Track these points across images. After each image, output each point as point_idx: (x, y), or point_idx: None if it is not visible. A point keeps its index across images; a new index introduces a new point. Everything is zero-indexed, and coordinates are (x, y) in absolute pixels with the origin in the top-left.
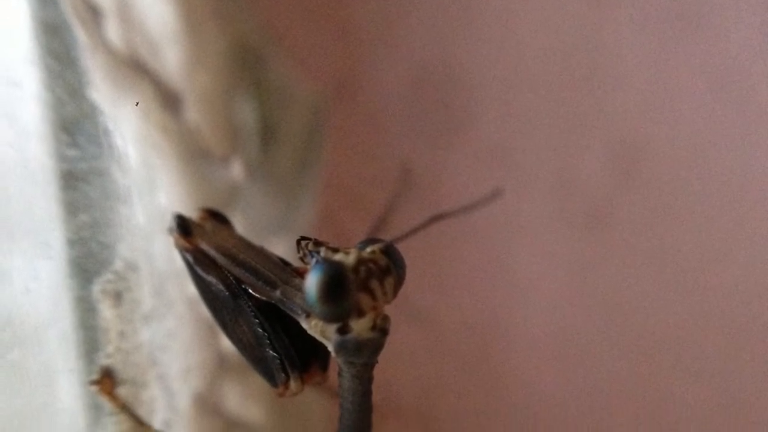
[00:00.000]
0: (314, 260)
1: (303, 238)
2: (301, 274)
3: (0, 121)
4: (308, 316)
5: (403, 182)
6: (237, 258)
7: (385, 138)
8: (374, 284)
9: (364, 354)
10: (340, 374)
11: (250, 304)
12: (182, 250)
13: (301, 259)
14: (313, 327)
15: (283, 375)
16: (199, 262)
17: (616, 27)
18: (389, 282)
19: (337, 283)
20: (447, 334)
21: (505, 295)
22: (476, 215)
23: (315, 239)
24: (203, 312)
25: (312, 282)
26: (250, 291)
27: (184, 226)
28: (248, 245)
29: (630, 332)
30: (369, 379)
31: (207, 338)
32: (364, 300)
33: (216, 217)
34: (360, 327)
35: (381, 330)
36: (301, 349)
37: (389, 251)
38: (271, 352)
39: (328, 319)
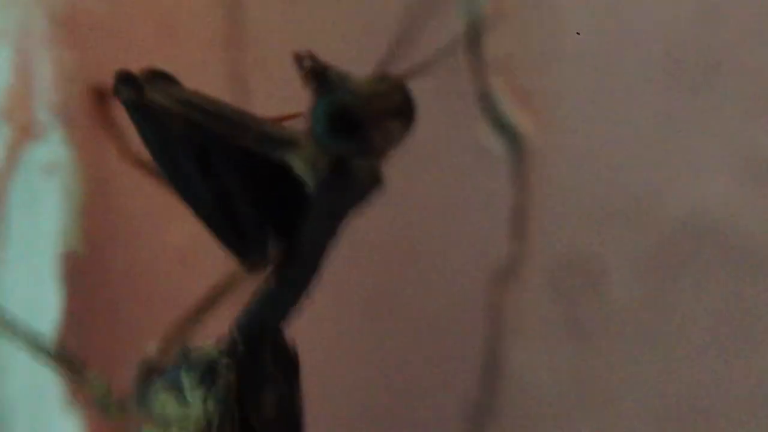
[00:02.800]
0: (324, 82)
1: (301, 53)
2: (272, 120)
3: None
4: (294, 144)
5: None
6: (198, 105)
7: None
8: (387, 122)
9: (350, 198)
10: (305, 218)
11: (225, 151)
12: (133, 106)
13: (303, 78)
14: (300, 157)
15: (259, 242)
16: (152, 116)
17: None
18: (400, 123)
19: (352, 113)
20: None
21: None
22: None
23: (317, 58)
24: None
25: (323, 108)
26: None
27: (131, 79)
28: (206, 97)
29: None
30: (337, 228)
31: None
32: (375, 138)
33: (163, 76)
34: (359, 168)
35: (376, 176)
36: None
37: (403, 90)
38: (248, 208)
39: (332, 150)
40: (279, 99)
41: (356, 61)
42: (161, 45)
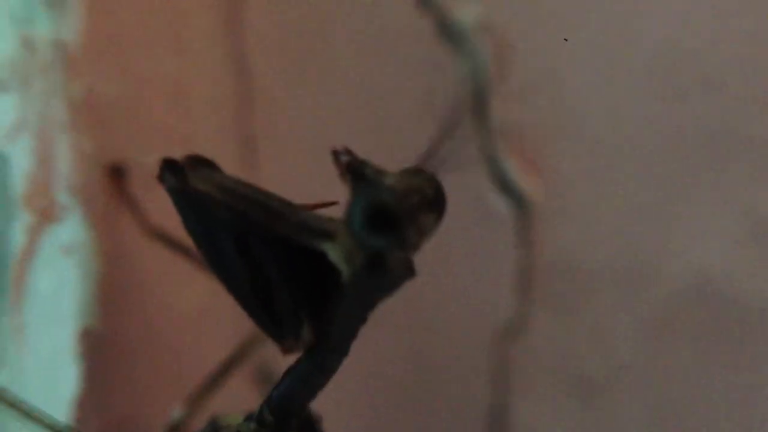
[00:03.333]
0: (360, 178)
1: (339, 150)
2: (308, 207)
3: None
4: (331, 236)
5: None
6: (239, 192)
7: None
8: (422, 217)
9: (384, 288)
10: (338, 305)
11: (263, 236)
12: (176, 192)
13: (340, 174)
14: (336, 248)
15: (293, 325)
16: (194, 201)
17: None
18: (433, 217)
19: (389, 211)
20: None
21: None
22: None
23: (354, 154)
24: None
25: (361, 205)
26: (256, 225)
27: (174, 168)
28: (245, 183)
29: None
30: (367, 317)
31: None
32: (410, 232)
33: (204, 162)
34: (394, 261)
35: (410, 268)
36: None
37: (435, 183)
38: (283, 292)
39: (368, 247)
40: (287, 161)
41: (365, 134)
42: (174, 119)
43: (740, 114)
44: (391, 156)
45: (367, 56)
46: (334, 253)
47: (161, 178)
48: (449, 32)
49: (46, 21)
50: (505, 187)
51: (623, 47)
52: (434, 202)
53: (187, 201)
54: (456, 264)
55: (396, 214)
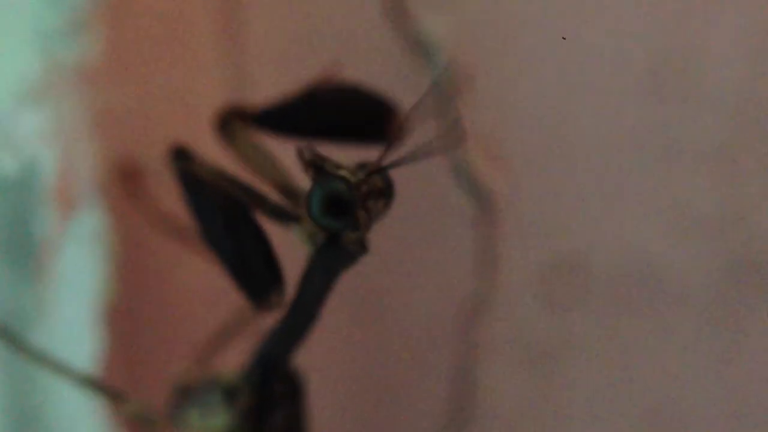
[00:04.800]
0: (319, 171)
1: (302, 147)
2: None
3: None
4: (298, 220)
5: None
6: (229, 178)
7: None
8: (371, 203)
9: (342, 262)
10: (305, 276)
11: (246, 216)
12: (184, 175)
13: (303, 168)
14: (301, 231)
15: (268, 290)
16: (197, 184)
17: None
18: (382, 203)
19: (342, 198)
20: None
21: None
22: None
23: (316, 150)
24: None
25: (318, 194)
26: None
27: (184, 152)
28: (233, 173)
29: None
30: (330, 288)
31: None
32: (362, 216)
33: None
34: (349, 239)
35: (363, 245)
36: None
37: (385, 175)
38: (262, 262)
39: (325, 228)
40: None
41: None
42: (181, 126)
43: (679, 118)
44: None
45: (354, 66)
46: (299, 233)
47: (170, 161)
48: (419, 45)
49: (69, 42)
50: (468, 182)
51: (579, 52)
52: (383, 191)
53: (189, 182)
54: (422, 248)
55: (347, 201)
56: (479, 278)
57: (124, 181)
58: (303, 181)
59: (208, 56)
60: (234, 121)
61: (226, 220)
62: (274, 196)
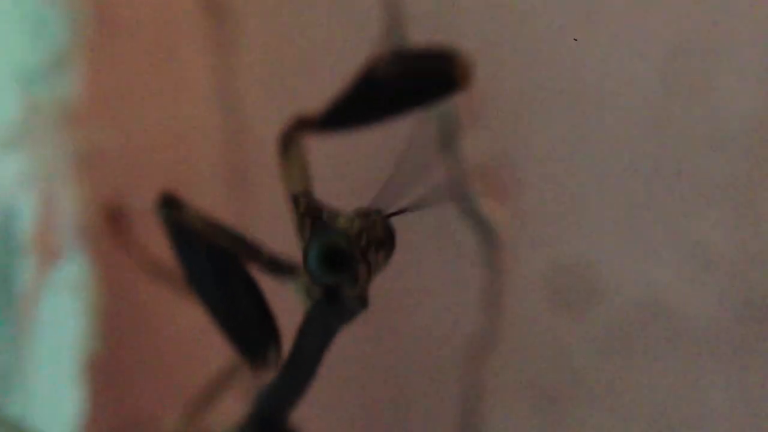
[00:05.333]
0: (317, 224)
1: (298, 194)
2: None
3: None
4: (294, 273)
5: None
6: (221, 229)
7: None
8: (371, 256)
9: (340, 319)
10: (301, 333)
11: (238, 269)
12: (173, 224)
13: (300, 218)
14: (298, 284)
15: (263, 349)
16: (187, 234)
17: None
18: (383, 254)
19: (341, 252)
20: None
21: None
22: None
23: (313, 198)
24: None
25: (315, 247)
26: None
27: (173, 200)
28: (224, 223)
29: None
30: (328, 344)
31: None
32: (362, 270)
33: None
34: (348, 294)
35: (363, 300)
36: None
37: (386, 224)
38: (255, 318)
39: (323, 283)
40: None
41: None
42: (170, 163)
43: (693, 156)
44: (368, 187)
45: None
46: (295, 287)
47: (158, 211)
48: None
49: (50, 81)
50: (474, 219)
51: (585, 85)
52: (384, 242)
53: (178, 232)
54: (428, 287)
55: (346, 255)
56: (485, 316)
57: (110, 224)
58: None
59: (196, 93)
60: (297, 135)
61: (216, 272)
62: (267, 247)
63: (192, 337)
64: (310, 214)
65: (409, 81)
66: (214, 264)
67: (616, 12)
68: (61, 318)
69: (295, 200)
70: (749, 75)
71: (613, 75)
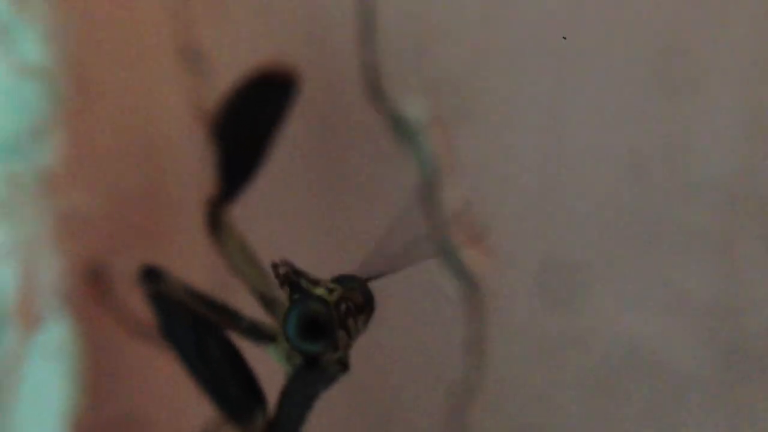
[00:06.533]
0: (295, 289)
1: (278, 263)
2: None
3: None
4: (273, 340)
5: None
6: (201, 295)
7: None
8: (351, 322)
9: (321, 384)
10: (284, 396)
11: (220, 337)
12: (155, 296)
13: (279, 284)
14: (278, 350)
15: (247, 412)
16: (169, 304)
17: None
18: (362, 319)
19: (320, 320)
20: None
21: None
22: None
23: (292, 266)
24: None
25: (295, 316)
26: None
27: (154, 272)
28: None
29: None
30: (310, 407)
31: None
32: (342, 337)
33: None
34: (328, 360)
35: (344, 364)
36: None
37: (365, 289)
38: (238, 383)
39: (303, 351)
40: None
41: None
42: (150, 222)
43: (669, 201)
44: (345, 240)
45: (323, 144)
46: (275, 353)
47: (141, 283)
48: (399, 125)
49: (28, 151)
50: (456, 268)
51: (564, 125)
52: (363, 307)
53: (160, 304)
54: (409, 333)
55: (325, 322)
56: (468, 364)
57: (91, 286)
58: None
59: (175, 153)
60: (219, 216)
61: (198, 340)
62: (248, 314)
63: (176, 394)
64: (289, 281)
65: (251, 108)
66: (196, 333)
67: (604, 12)
68: (45, 381)
69: (274, 268)
70: (730, 143)
71: (599, 78)
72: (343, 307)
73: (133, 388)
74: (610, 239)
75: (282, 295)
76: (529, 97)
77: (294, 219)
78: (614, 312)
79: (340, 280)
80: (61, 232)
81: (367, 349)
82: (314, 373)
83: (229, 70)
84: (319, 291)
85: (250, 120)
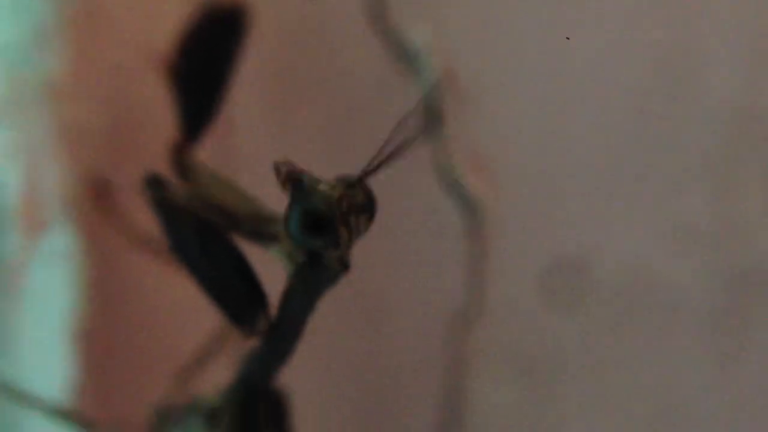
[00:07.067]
0: (298, 188)
1: (280, 162)
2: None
3: None
4: (276, 239)
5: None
6: (204, 201)
7: None
8: (353, 219)
9: (323, 282)
10: (286, 296)
11: (223, 240)
12: (159, 203)
13: (281, 184)
14: (280, 249)
15: (249, 313)
16: (172, 211)
17: None
18: (364, 219)
19: (323, 215)
20: None
21: None
22: None
23: (293, 165)
24: None
25: (297, 211)
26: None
27: (158, 180)
28: (212, 187)
29: None
30: (312, 307)
31: None
32: (343, 234)
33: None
34: (330, 257)
35: (344, 263)
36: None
37: (367, 189)
38: (241, 285)
39: (306, 246)
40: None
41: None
42: (155, 140)
43: (668, 132)
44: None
45: (332, 86)
46: (278, 252)
47: (146, 190)
48: (403, 53)
49: (33, 58)
50: (458, 194)
51: (568, 65)
52: (364, 207)
53: (164, 211)
54: (411, 260)
55: (327, 218)
56: (469, 290)
57: (96, 197)
58: (273, 205)
59: None
60: (185, 160)
61: (203, 245)
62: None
63: (179, 304)
64: (291, 180)
65: (204, 48)
66: (200, 237)
67: (605, 12)
68: (50, 287)
69: (276, 168)
70: (731, 70)
71: (599, 66)
72: (345, 203)
73: (136, 296)
74: (614, 161)
75: (272, 210)
76: (529, 95)
77: (296, 151)
78: (618, 236)
79: (341, 179)
80: (64, 140)
81: (366, 274)
82: (316, 270)
83: None
84: (321, 188)
85: (204, 60)
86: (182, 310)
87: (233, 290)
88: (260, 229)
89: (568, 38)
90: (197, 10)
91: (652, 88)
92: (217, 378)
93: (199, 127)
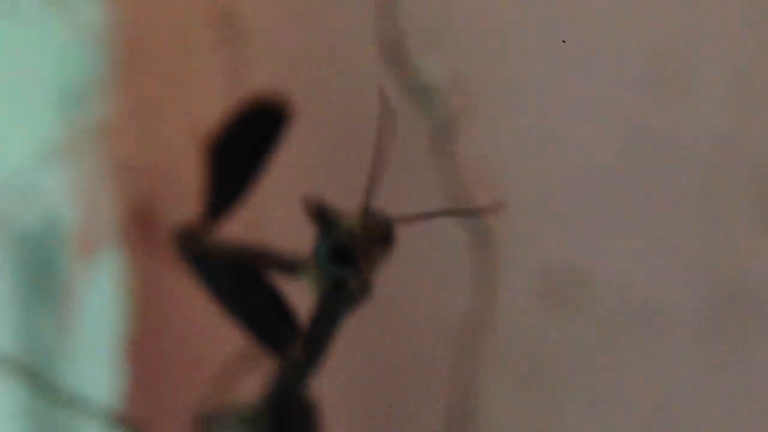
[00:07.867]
0: (324, 223)
1: (306, 197)
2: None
3: None
4: (304, 268)
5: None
6: (236, 247)
7: None
8: (373, 250)
9: (346, 306)
10: (314, 319)
11: (258, 278)
12: (192, 256)
13: (309, 218)
14: (308, 277)
15: (286, 340)
16: (206, 263)
17: None
18: (384, 249)
19: (348, 247)
20: None
21: None
22: None
23: (319, 201)
24: None
25: (325, 246)
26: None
27: (189, 236)
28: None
29: None
30: (337, 328)
31: None
32: (365, 264)
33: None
34: (352, 285)
35: (367, 290)
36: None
37: (386, 221)
38: (276, 314)
39: (331, 276)
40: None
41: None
42: (195, 180)
43: (661, 154)
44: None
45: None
46: (307, 280)
47: (176, 246)
48: (413, 84)
49: (89, 103)
50: (466, 216)
51: (569, 88)
52: (385, 238)
53: (198, 263)
54: (420, 267)
55: (351, 251)
56: (477, 296)
57: (142, 226)
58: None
59: (214, 108)
60: (201, 241)
61: (240, 288)
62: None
63: (215, 319)
64: (319, 215)
65: (245, 138)
66: (236, 281)
67: (600, 15)
68: (101, 308)
69: (306, 203)
70: (721, 94)
71: (598, 90)
72: (366, 238)
73: (177, 313)
74: (614, 196)
75: (295, 253)
76: (528, 96)
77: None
78: (611, 261)
79: (364, 213)
80: (114, 176)
81: (381, 293)
82: (340, 295)
83: (261, 38)
84: (346, 223)
85: (243, 148)
86: (218, 325)
87: (267, 323)
88: (290, 261)
89: (566, 42)
90: (245, 100)
91: (646, 111)
92: (246, 387)
93: (224, 210)
